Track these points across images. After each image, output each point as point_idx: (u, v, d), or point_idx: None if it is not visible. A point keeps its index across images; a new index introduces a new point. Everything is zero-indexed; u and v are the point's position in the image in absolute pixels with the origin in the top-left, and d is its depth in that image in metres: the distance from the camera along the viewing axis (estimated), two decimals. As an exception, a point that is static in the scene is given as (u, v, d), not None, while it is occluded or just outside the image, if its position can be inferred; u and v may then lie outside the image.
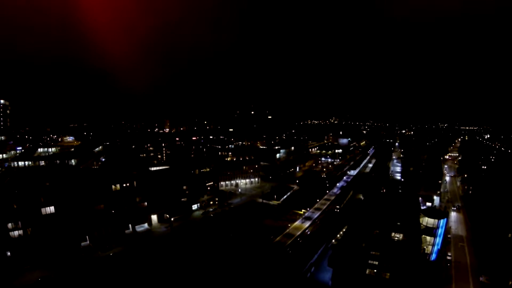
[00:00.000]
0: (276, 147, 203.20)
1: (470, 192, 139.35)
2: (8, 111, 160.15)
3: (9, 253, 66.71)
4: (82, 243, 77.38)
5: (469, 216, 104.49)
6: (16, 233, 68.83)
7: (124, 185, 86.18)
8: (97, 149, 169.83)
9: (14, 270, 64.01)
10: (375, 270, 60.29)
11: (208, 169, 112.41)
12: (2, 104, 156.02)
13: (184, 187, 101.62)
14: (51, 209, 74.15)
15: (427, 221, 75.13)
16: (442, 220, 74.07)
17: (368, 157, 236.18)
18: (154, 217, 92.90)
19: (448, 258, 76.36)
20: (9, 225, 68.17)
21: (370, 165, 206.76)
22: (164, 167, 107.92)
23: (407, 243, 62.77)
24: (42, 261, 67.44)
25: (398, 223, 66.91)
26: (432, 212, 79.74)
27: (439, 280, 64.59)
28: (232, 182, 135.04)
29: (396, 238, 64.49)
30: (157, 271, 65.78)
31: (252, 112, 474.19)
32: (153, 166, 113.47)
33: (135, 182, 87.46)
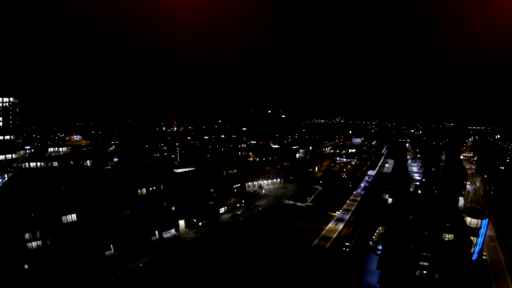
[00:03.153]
0: (294, 147, 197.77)
1: (492, 192, 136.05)
2: (17, 109, 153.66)
3: (26, 266, 60.77)
4: (106, 252, 71.82)
5: (494, 216, 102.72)
6: (34, 244, 62.67)
7: (151, 188, 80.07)
8: (110, 149, 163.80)
9: (34, 286, 58.30)
10: (424, 272, 59.78)
11: (235, 171, 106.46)
12: (12, 102, 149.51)
13: (212, 190, 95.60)
14: (73, 217, 67.96)
15: (470, 221, 74.31)
16: (484, 220, 73.06)
17: (383, 157, 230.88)
18: (181, 222, 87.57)
19: (484, 257, 76.07)
20: (27, 235, 61.91)
21: (387, 165, 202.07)
22: (189, 169, 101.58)
23: (458, 243, 61.49)
24: (65, 274, 61.65)
25: (447, 224, 65.52)
26: (475, 213, 78.36)
27: (482, 279, 64.72)
28: (255, 183, 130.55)
29: (446, 239, 63.24)
30: (192, 284, 60.16)
31: (269, 111, 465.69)
32: (176, 168, 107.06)
33: (162, 185, 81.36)
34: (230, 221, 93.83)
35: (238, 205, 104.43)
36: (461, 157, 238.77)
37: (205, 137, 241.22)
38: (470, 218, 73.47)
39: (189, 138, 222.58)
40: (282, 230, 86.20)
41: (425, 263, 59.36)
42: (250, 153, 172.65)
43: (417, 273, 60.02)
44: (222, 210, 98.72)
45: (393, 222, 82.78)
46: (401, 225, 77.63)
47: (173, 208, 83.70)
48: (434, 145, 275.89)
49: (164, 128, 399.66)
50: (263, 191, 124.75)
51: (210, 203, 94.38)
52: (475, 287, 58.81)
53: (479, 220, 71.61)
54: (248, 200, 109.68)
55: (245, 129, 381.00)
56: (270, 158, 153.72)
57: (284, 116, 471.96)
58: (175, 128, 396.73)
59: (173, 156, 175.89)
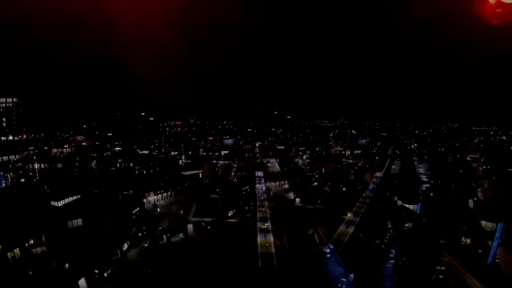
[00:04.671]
0: (301, 148, 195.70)
1: (501, 194, 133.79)
2: (20, 110, 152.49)
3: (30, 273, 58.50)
4: (114, 258, 69.59)
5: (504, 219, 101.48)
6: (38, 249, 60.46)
7: (159, 192, 77.99)
8: (115, 149, 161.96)
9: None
10: (441, 276, 59.39)
11: (244, 173, 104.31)
12: (15, 102, 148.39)
13: (220, 192, 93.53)
14: (79, 221, 65.93)
15: (485, 224, 73.81)
16: (499, 224, 72.93)
17: (389, 159, 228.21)
18: (189, 226, 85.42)
19: (497, 261, 73.43)
20: (31, 241, 59.74)
21: (394, 167, 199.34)
22: (196, 171, 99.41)
23: (476, 248, 62.03)
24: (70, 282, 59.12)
25: (464, 228, 66.75)
26: (490, 216, 77.30)
27: (497, 283, 62.96)
28: (262, 185, 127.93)
29: (463, 243, 64.06)
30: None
31: (275, 112, 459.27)
32: (183, 170, 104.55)
33: (170, 189, 79.23)
34: (139, 260, 77.38)
35: (246, 207, 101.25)
36: (468, 158, 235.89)
37: (209, 138, 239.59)
38: (485, 222, 72.95)
39: (193, 139, 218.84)
40: (292, 234, 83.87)
41: (443, 268, 58.66)
42: (257, 155, 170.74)
43: (433, 278, 58.81)
44: (230, 213, 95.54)
45: (405, 226, 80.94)
46: (414, 229, 75.88)
47: (182, 212, 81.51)
48: (441, 146, 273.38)
49: (167, 129, 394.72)
50: (272, 193, 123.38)
51: (218, 206, 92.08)
52: None
53: (494, 224, 71.78)
54: (149, 225, 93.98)
55: (250, 130, 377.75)
56: (157, 169, 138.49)
57: (289, 117, 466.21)
58: (179, 129, 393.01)
59: (177, 157, 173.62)
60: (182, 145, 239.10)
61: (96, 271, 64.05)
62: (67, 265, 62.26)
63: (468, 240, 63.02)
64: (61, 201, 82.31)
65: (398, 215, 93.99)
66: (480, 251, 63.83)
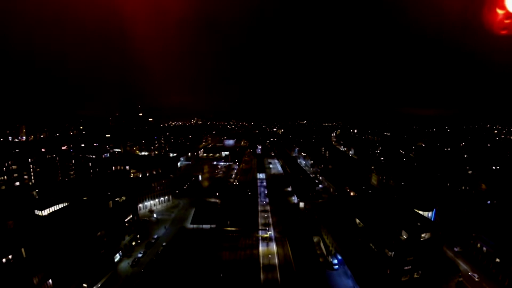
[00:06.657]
0: (172, 154, 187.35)
1: (384, 180, 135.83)
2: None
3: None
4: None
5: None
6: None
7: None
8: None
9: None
10: (408, 275, 58.53)
11: (124, 198, 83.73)
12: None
13: (99, 233, 71.15)
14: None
15: (422, 214, 72.20)
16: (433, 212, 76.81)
17: (263, 158, 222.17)
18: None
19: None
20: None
21: (272, 166, 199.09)
22: (60, 205, 79.75)
23: (434, 240, 59.03)
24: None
25: (418, 223, 62.60)
26: (423, 205, 78.75)
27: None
28: (146, 204, 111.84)
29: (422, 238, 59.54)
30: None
31: (140, 114, 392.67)
32: (38, 207, 78.09)
33: (23, 249, 55.06)
34: (131, 272, 67.32)
35: (134, 243, 79.35)
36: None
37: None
38: (422, 212, 74.14)
39: (43, 150, 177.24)
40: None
41: (409, 267, 57.28)
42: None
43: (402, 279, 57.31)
44: (117, 257, 71.64)
45: (336, 230, 75.05)
46: (350, 232, 70.46)
47: (50, 280, 55.99)
48: (313, 142, 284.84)
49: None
50: (155, 215, 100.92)
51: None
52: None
53: (430, 212, 76.04)
54: (143, 232, 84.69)
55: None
56: (154, 172, 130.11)
57: (151, 119, 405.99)
58: (24, 137, 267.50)
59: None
60: (182, 146, 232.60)
61: (85, 285, 59.57)
62: (50, 280, 55.19)
63: (428, 235, 57.96)
64: (46, 210, 74.62)
65: (413, 223, 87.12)
66: (438, 242, 58.78)
